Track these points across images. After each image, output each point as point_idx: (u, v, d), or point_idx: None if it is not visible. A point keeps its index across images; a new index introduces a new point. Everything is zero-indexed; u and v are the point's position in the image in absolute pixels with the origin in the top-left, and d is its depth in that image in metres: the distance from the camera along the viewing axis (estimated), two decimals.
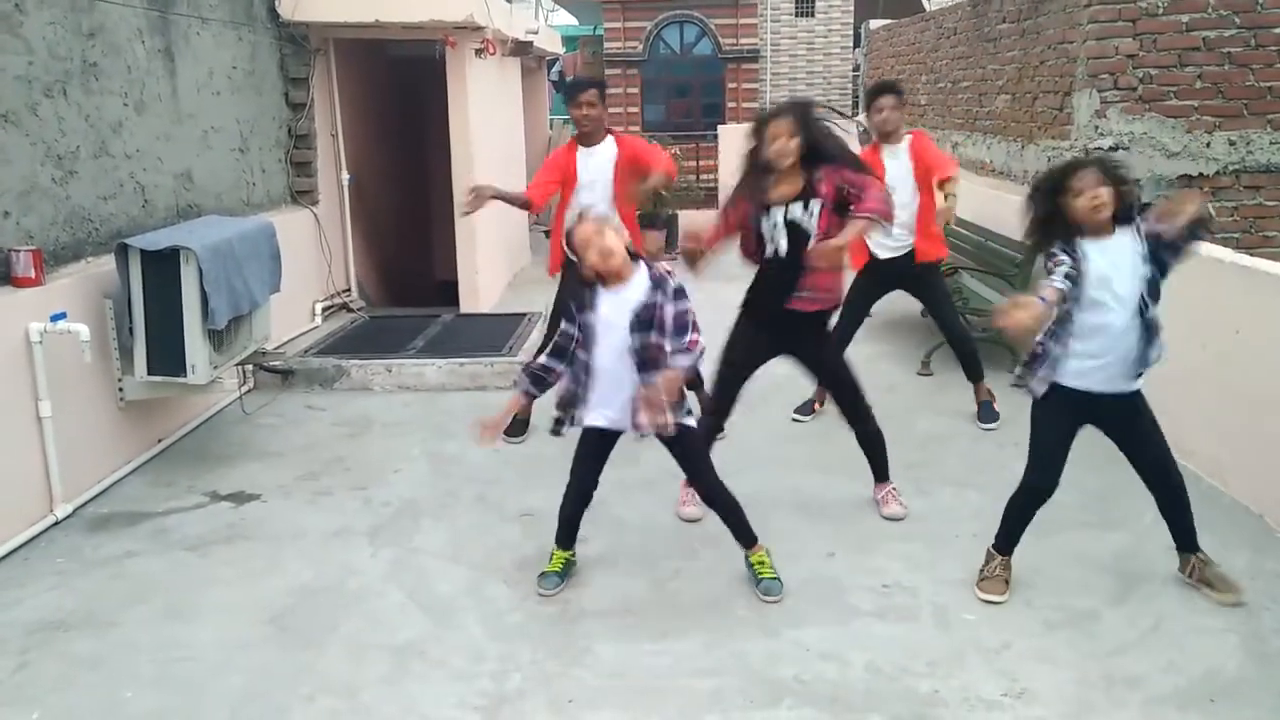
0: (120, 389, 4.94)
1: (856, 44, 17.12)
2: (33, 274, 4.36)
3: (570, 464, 3.90)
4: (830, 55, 18.03)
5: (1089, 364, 3.53)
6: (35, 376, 4.33)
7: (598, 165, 5.25)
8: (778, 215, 4.01)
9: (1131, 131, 6.50)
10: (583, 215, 3.75)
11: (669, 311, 3.57)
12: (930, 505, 4.57)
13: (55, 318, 4.38)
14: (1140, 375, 3.58)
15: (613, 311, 3.61)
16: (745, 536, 3.89)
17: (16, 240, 4.41)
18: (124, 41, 5.23)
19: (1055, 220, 3.55)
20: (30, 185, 4.50)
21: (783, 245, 4.02)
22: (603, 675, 3.32)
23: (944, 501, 4.60)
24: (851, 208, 3.93)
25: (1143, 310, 3.49)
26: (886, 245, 5.48)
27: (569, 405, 3.75)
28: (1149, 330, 3.50)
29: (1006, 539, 3.83)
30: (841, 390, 4.38)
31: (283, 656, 3.44)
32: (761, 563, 3.86)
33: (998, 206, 7.19)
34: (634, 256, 3.66)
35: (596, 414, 3.73)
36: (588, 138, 5.27)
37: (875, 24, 13.16)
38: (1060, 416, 3.65)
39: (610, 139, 5.30)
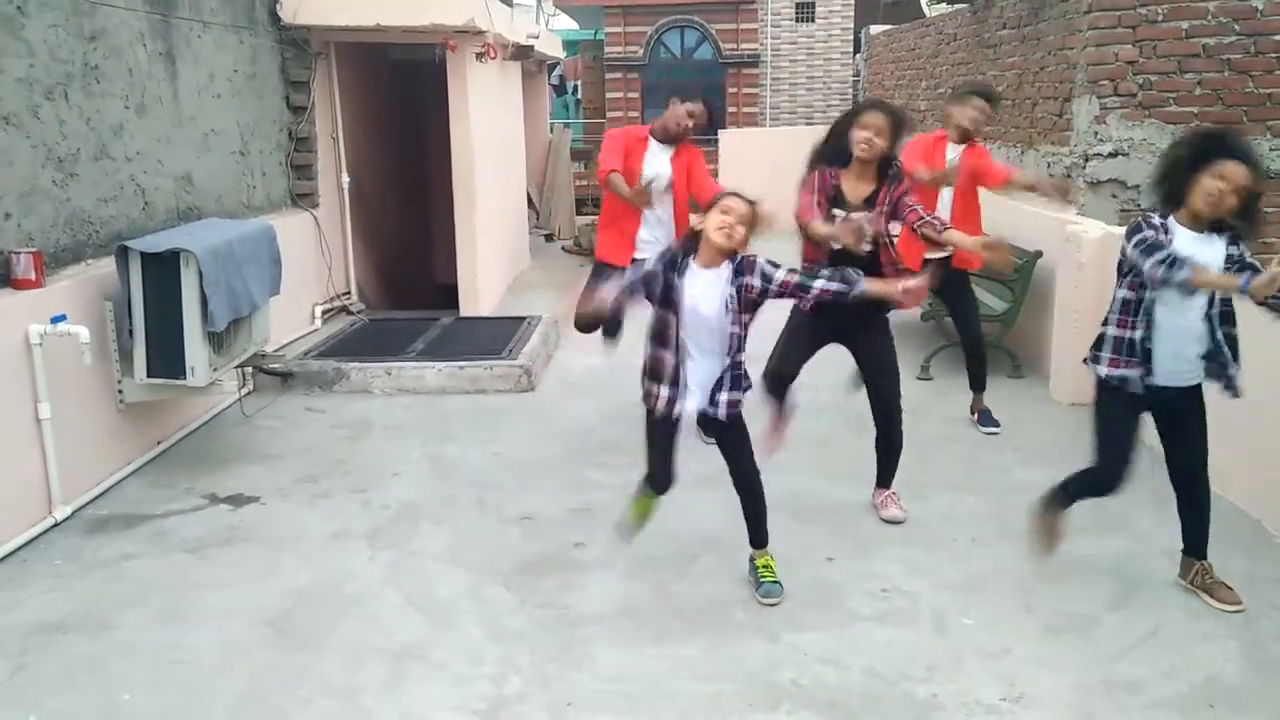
0: (120, 391, 4.94)
1: (857, 50, 17.15)
2: (33, 276, 4.36)
3: (647, 452, 3.91)
4: (830, 61, 18.04)
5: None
6: (35, 378, 4.33)
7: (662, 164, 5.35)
8: (847, 213, 4.07)
9: (1131, 138, 6.51)
10: (736, 192, 3.70)
11: (778, 275, 3.61)
12: (929, 510, 4.57)
13: (55, 320, 4.38)
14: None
15: (700, 288, 3.61)
16: (761, 536, 3.90)
17: (17, 242, 4.41)
18: (125, 44, 5.24)
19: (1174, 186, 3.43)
20: (31, 187, 4.50)
21: (866, 247, 4.04)
22: (602, 679, 3.32)
23: (943, 506, 4.60)
24: (906, 219, 4.07)
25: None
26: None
27: (658, 377, 3.72)
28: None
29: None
30: (880, 389, 4.36)
31: (281, 659, 3.44)
32: (766, 566, 3.87)
33: (998, 213, 7.19)
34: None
35: (692, 399, 3.72)
36: (675, 139, 5.36)
37: (875, 30, 13.18)
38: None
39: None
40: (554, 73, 19.20)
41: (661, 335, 3.69)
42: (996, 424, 5.55)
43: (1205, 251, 3.42)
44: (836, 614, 3.70)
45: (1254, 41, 6.43)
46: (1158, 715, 3.10)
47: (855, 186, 4.17)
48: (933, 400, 6.09)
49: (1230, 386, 3.57)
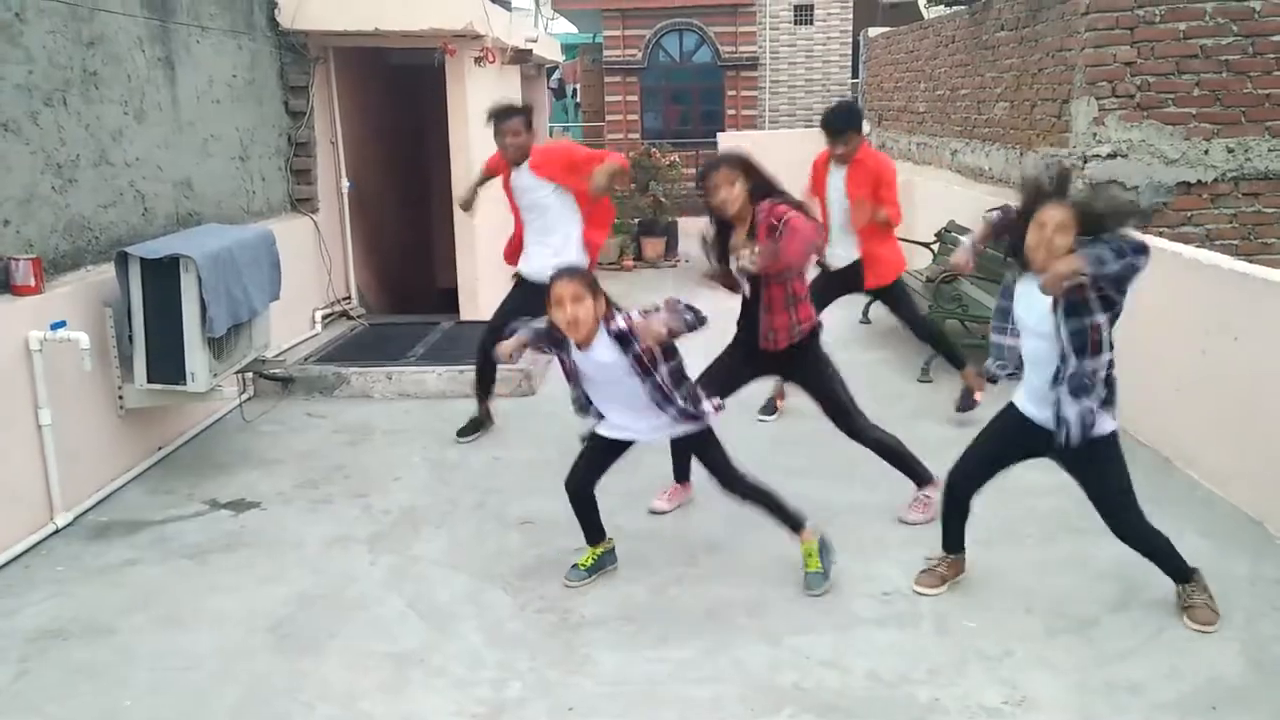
0: (120, 397, 4.94)
1: (855, 52, 17.16)
2: (33, 282, 4.36)
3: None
4: (829, 63, 18.04)
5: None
6: (35, 385, 4.33)
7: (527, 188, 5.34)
8: (734, 263, 4.05)
9: (1130, 139, 6.51)
10: (562, 272, 3.64)
11: (662, 369, 3.64)
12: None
13: (55, 326, 4.38)
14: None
15: (600, 368, 3.66)
16: (791, 521, 3.91)
17: (16, 249, 4.41)
18: (124, 50, 5.24)
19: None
20: (30, 194, 4.50)
21: (746, 289, 4.17)
22: (602, 683, 3.31)
23: None
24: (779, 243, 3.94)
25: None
26: (840, 256, 5.80)
27: (584, 409, 3.87)
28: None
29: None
30: (834, 414, 4.37)
31: (282, 664, 3.44)
32: (809, 554, 3.89)
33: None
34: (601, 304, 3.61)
35: (615, 429, 3.83)
36: (516, 162, 5.32)
37: (874, 32, 13.18)
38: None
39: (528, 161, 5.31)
40: (553, 76, 19.20)
41: (577, 399, 3.86)
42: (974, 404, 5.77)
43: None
44: (838, 617, 3.70)
45: (1252, 42, 6.43)
46: (1159, 717, 3.10)
47: (740, 233, 4.11)
48: (933, 402, 6.09)
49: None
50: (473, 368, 6.44)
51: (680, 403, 3.68)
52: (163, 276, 4.71)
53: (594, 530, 4.02)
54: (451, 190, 8.04)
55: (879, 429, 4.43)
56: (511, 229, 5.65)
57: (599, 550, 4.02)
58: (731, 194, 4.02)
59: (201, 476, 5.13)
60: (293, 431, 5.82)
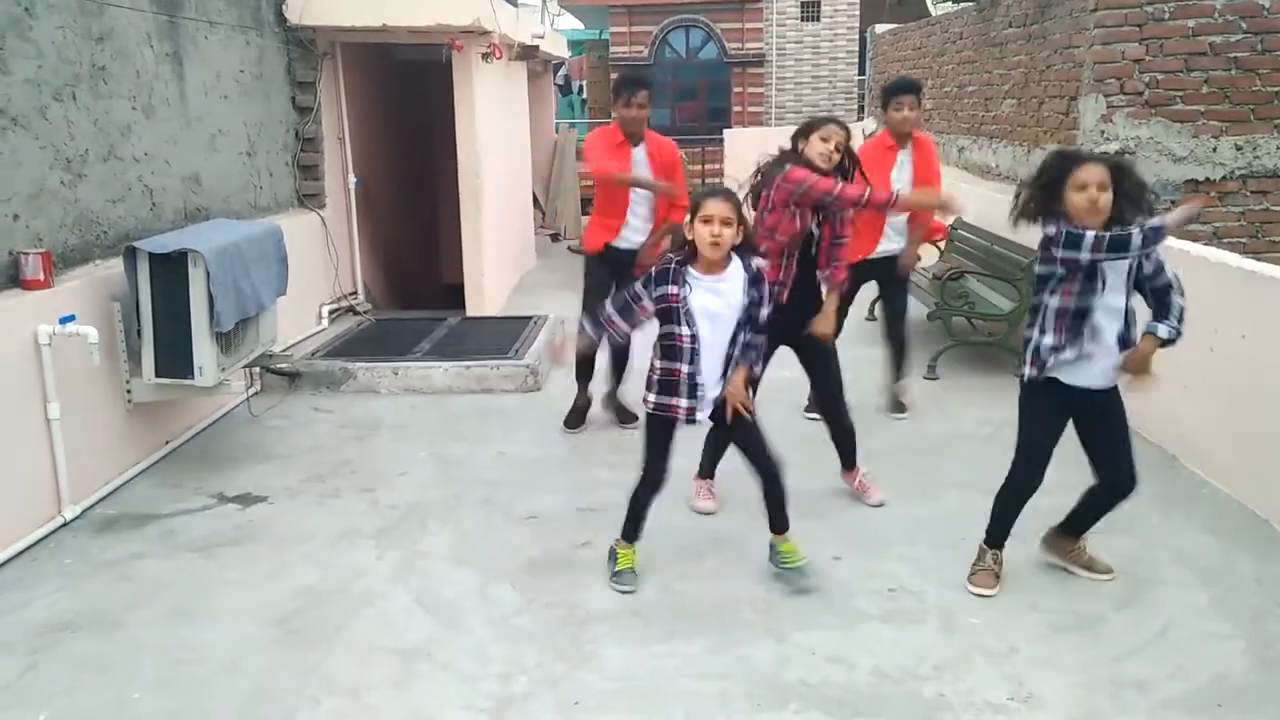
0: (128, 391, 4.96)
1: (862, 48, 17.13)
2: (41, 276, 4.37)
3: (644, 456, 3.88)
4: (836, 60, 18.04)
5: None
6: (44, 378, 4.34)
7: (642, 165, 5.39)
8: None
9: (1138, 136, 6.50)
10: (716, 190, 3.69)
11: (762, 313, 3.70)
12: (937, 509, 4.57)
13: (64, 320, 4.39)
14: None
15: (711, 301, 3.64)
16: (781, 521, 3.93)
17: (26, 243, 4.42)
18: (133, 45, 5.25)
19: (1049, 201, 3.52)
20: (39, 188, 4.52)
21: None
22: (609, 678, 3.32)
23: (950, 505, 4.60)
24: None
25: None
26: (886, 249, 5.70)
27: (674, 391, 3.75)
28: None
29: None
30: (824, 389, 4.64)
31: (289, 658, 3.45)
32: (790, 551, 3.91)
33: (1004, 211, 7.18)
34: (737, 246, 3.67)
35: (706, 400, 3.76)
36: (635, 138, 5.37)
37: (881, 28, 13.16)
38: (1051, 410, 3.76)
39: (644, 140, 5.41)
40: (559, 72, 19.20)
41: (671, 349, 3.71)
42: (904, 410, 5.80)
43: None
44: (844, 613, 3.70)
45: (1261, 39, 6.42)
46: (1165, 715, 3.09)
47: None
48: (940, 399, 6.09)
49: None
50: (478, 364, 6.47)
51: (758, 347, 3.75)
52: (171, 271, 4.72)
53: (641, 528, 3.99)
54: (458, 185, 8.06)
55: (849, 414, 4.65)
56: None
57: (634, 549, 3.99)
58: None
59: (209, 470, 5.14)
60: (299, 426, 5.84)
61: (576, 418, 5.72)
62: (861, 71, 17.25)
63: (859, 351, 5.86)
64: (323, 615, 3.73)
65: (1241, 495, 4.56)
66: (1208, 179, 6.55)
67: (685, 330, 3.66)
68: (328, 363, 6.55)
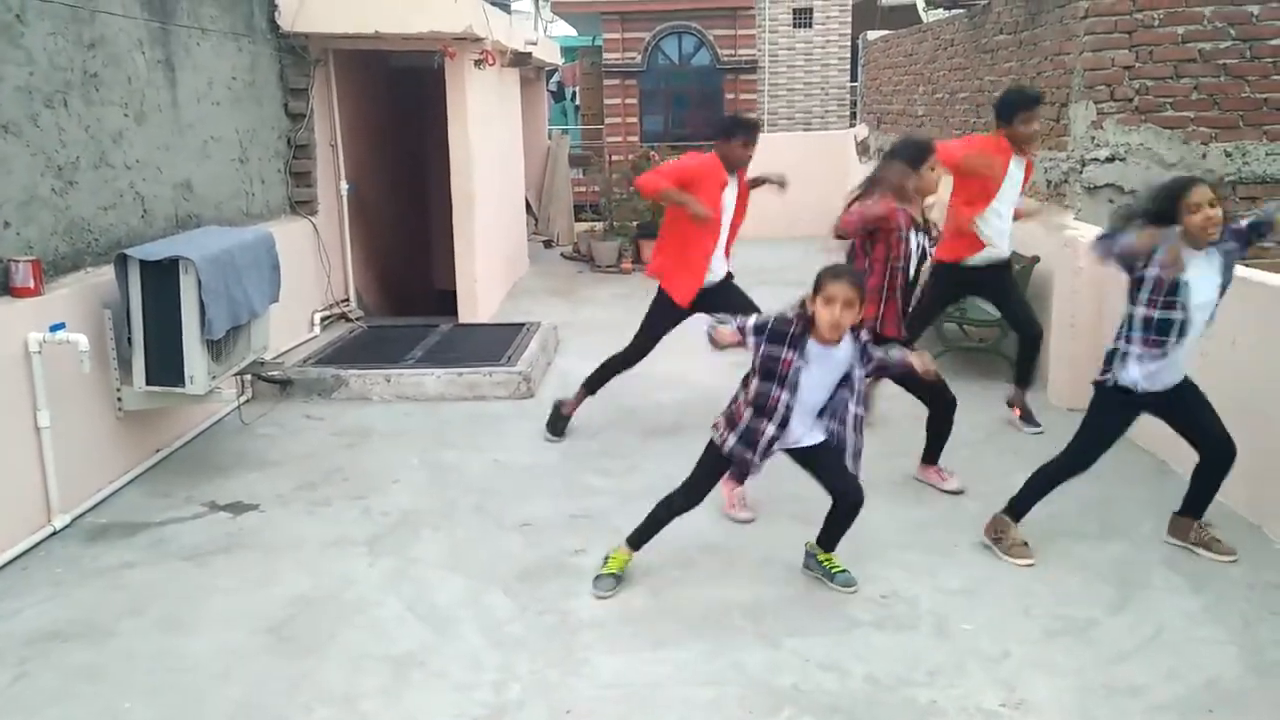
0: (119, 399, 4.94)
1: (854, 55, 17.18)
2: (32, 284, 4.36)
3: (693, 477, 3.95)
4: (828, 66, 18.07)
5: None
6: (34, 386, 4.33)
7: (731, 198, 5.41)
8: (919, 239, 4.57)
9: (1128, 143, 6.52)
10: (842, 272, 3.69)
11: (857, 375, 3.75)
12: (929, 514, 4.57)
13: (54, 328, 4.38)
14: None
15: (821, 367, 3.68)
16: (833, 541, 3.98)
17: (16, 250, 4.41)
18: (124, 52, 5.25)
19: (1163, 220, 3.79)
20: (30, 195, 4.51)
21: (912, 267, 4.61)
22: (601, 685, 3.32)
23: (943, 511, 4.60)
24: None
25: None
26: (978, 255, 5.61)
27: (750, 443, 3.78)
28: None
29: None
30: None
31: (281, 666, 3.44)
32: (832, 559, 3.98)
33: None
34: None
35: (769, 439, 3.78)
36: (735, 170, 5.37)
37: (873, 35, 13.20)
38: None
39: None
40: (552, 79, 19.22)
41: (763, 408, 3.73)
42: (1038, 424, 5.66)
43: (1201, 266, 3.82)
44: (837, 619, 3.70)
45: (1250, 46, 6.44)
46: (1157, 719, 3.10)
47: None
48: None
49: None
50: (471, 371, 6.46)
51: (856, 410, 3.78)
52: (162, 279, 4.71)
53: (647, 539, 4.01)
54: (451, 192, 8.06)
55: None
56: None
57: (629, 558, 4.00)
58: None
59: (200, 478, 5.13)
60: (291, 434, 5.82)
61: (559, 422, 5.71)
62: (853, 78, 17.30)
63: None
64: (314, 623, 3.72)
65: (1232, 501, 4.57)
66: None
67: (784, 396, 3.69)
68: (319, 370, 6.54)
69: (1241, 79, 6.47)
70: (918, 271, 4.61)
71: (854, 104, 17.03)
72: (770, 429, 3.72)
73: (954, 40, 9.51)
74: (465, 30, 7.43)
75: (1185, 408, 4.00)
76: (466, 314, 8.25)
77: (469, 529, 4.54)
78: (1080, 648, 3.48)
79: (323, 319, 7.68)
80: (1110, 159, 6.53)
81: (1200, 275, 3.79)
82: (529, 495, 4.86)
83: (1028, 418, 5.69)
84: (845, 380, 3.74)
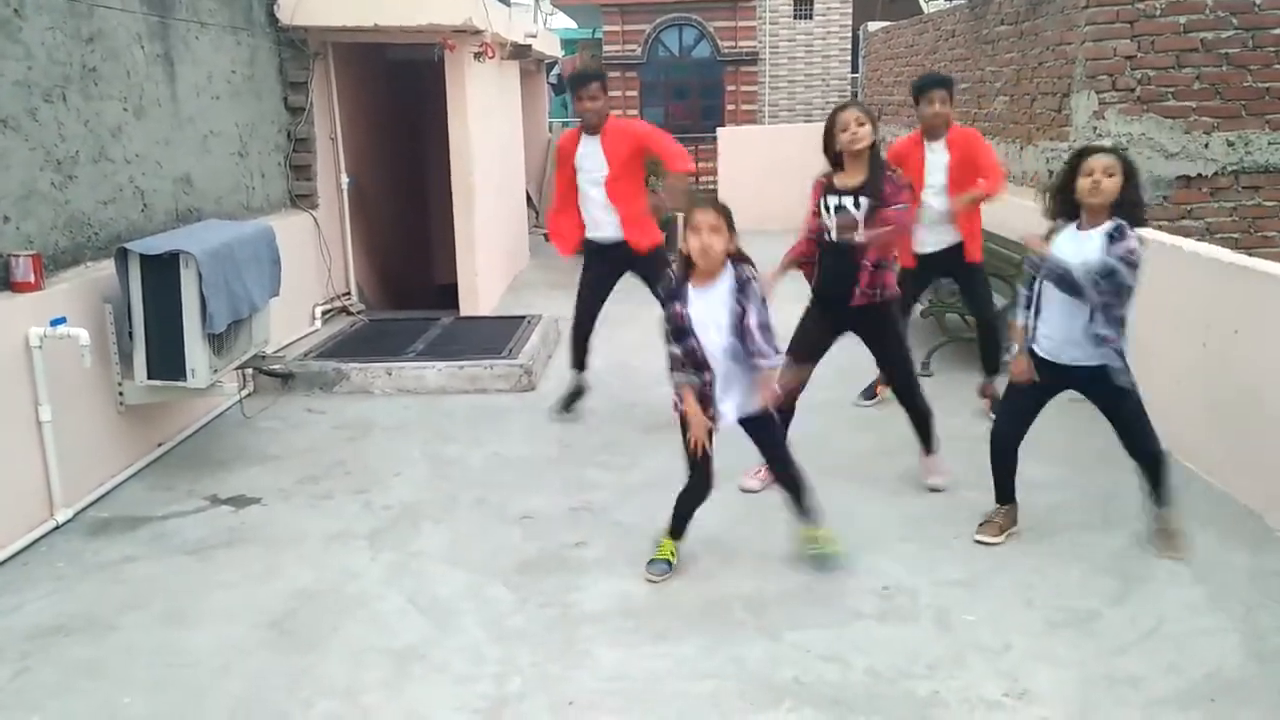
0: (120, 393, 4.94)
1: (855, 46, 17.14)
2: (32, 279, 4.36)
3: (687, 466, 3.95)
4: (829, 58, 18.01)
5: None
6: (35, 381, 4.33)
7: (594, 153, 5.47)
8: (834, 200, 4.38)
9: (1130, 132, 6.51)
10: (706, 198, 3.77)
11: (752, 323, 3.69)
12: (930, 507, 4.57)
13: (55, 322, 4.38)
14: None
15: (703, 309, 3.71)
16: (809, 514, 4.01)
17: (16, 245, 4.41)
18: (123, 46, 5.24)
19: (1065, 195, 3.83)
20: (29, 190, 4.50)
21: (832, 231, 4.40)
22: (602, 678, 3.32)
23: (943, 503, 4.60)
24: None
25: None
26: (928, 242, 5.59)
27: (706, 403, 3.80)
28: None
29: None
30: (897, 379, 4.77)
31: (283, 660, 3.44)
32: (816, 539, 3.99)
33: (997, 208, 7.18)
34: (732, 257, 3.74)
35: (728, 408, 3.81)
36: (592, 128, 5.46)
37: (873, 26, 13.17)
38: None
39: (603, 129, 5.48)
40: (552, 71, 19.18)
41: (695, 361, 3.76)
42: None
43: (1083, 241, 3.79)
44: (837, 612, 3.70)
45: (1252, 35, 6.43)
46: (1159, 710, 3.10)
47: (845, 179, 4.41)
48: (935, 396, 6.06)
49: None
50: (472, 364, 6.47)
51: (765, 349, 3.73)
52: (162, 272, 4.71)
53: (685, 527, 4.06)
54: (451, 185, 8.05)
55: (924, 399, 4.75)
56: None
57: (676, 544, 4.05)
58: (860, 133, 4.31)
59: (201, 472, 5.13)
60: (293, 427, 5.82)
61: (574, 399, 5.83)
62: (854, 69, 17.26)
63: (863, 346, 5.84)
64: (316, 617, 3.72)
65: (1234, 490, 4.57)
66: (1200, 175, 6.56)
67: (694, 343, 3.73)
68: (321, 364, 6.54)
69: (1243, 68, 6.46)
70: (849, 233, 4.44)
71: (855, 95, 16.98)
72: (707, 375, 3.77)
73: (955, 31, 9.49)
74: (465, 23, 7.41)
75: (1105, 398, 3.97)
76: (467, 307, 8.25)
77: (470, 522, 4.54)
78: (1082, 639, 3.48)
79: (323, 313, 7.68)
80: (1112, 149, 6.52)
81: (1065, 249, 3.79)
82: (530, 488, 4.86)
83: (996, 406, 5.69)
84: (742, 329, 3.72)
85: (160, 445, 5.36)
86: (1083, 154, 3.80)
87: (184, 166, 5.82)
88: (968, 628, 3.57)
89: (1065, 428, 5.06)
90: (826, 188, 4.44)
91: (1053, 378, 3.97)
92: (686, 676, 3.31)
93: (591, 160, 5.48)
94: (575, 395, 5.84)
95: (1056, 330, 3.87)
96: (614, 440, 5.46)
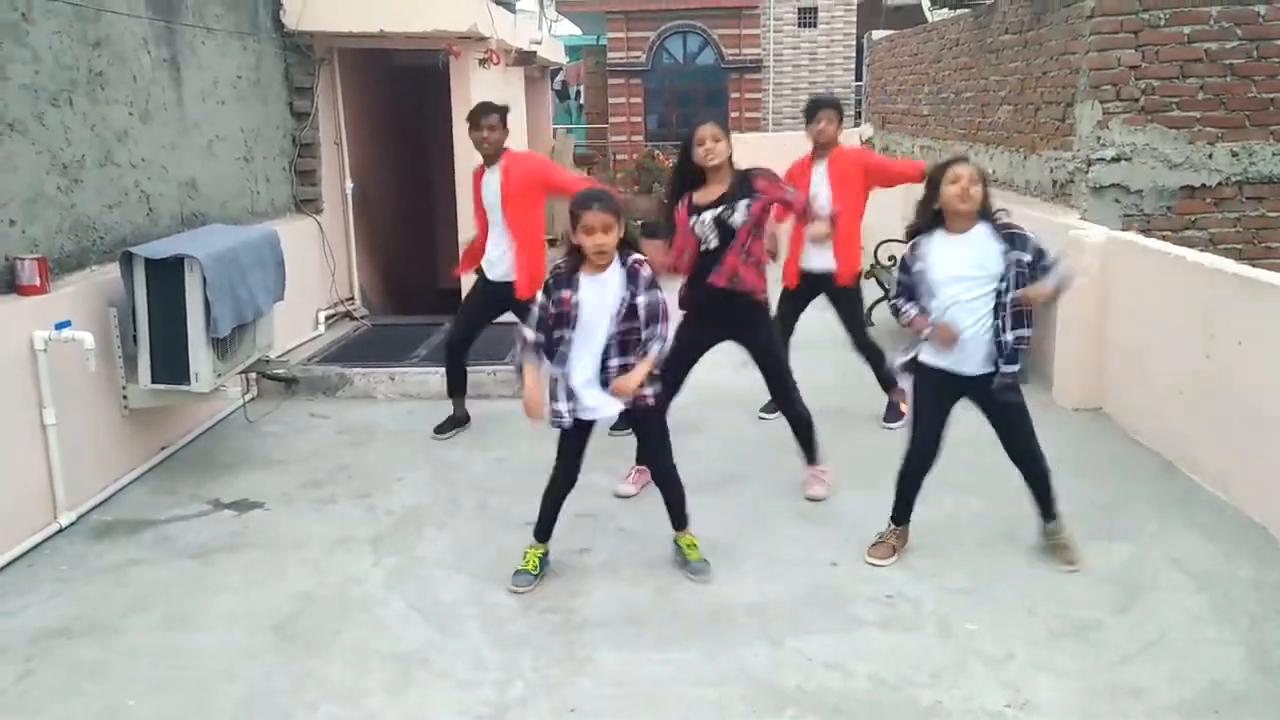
0: (124, 397, 4.95)
1: (859, 55, 17.16)
2: (38, 282, 4.37)
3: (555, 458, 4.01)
4: (833, 66, 18.06)
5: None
6: (40, 384, 4.33)
7: (491, 188, 5.48)
8: (708, 215, 4.41)
9: (1134, 143, 6.51)
10: (601, 196, 3.79)
11: (641, 301, 3.75)
12: (933, 514, 4.55)
13: (60, 326, 4.39)
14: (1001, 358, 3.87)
15: (593, 296, 3.76)
16: (681, 519, 4.07)
17: (22, 248, 4.42)
18: (129, 51, 5.25)
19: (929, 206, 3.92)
20: (36, 194, 4.51)
21: (713, 241, 4.43)
22: (605, 684, 3.32)
23: (947, 510, 4.59)
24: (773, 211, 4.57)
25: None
26: (813, 259, 5.61)
27: (554, 395, 3.88)
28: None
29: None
30: (770, 377, 4.75)
31: (285, 665, 3.44)
32: (691, 545, 4.04)
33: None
34: (620, 245, 3.78)
35: (584, 401, 3.86)
36: (489, 160, 5.48)
37: (878, 35, 13.18)
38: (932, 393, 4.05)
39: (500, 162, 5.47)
40: (557, 78, 19.22)
41: (556, 353, 3.85)
42: (901, 417, 5.72)
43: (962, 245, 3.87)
44: (840, 619, 3.70)
45: (1256, 46, 6.43)
46: None
47: (706, 193, 4.47)
48: None
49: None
50: (475, 369, 6.45)
51: (633, 358, 3.81)
52: (167, 277, 4.72)
53: (550, 528, 4.09)
54: (455, 191, 8.06)
55: (802, 404, 4.76)
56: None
57: (543, 550, 4.06)
58: (716, 149, 4.39)
59: (205, 476, 5.13)
60: (296, 432, 5.83)
61: (451, 424, 5.79)
62: (858, 78, 17.28)
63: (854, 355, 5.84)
64: (319, 621, 3.72)
65: (1238, 501, 4.56)
66: (1203, 185, 6.56)
67: (566, 333, 3.80)
68: (324, 368, 6.54)
69: (1248, 79, 6.46)
70: (724, 241, 4.46)
71: (859, 104, 17.01)
72: (558, 370, 3.83)
73: (959, 40, 9.50)
74: (470, 29, 7.43)
75: (994, 407, 4.01)
76: None
77: (473, 527, 4.55)
78: (1085, 649, 3.48)
79: (327, 317, 7.68)
80: (1116, 159, 6.52)
81: (945, 253, 3.87)
82: (533, 494, 4.82)
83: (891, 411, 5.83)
84: (631, 314, 3.76)
85: (164, 449, 5.37)
86: (946, 165, 3.88)
87: (189, 171, 5.83)
88: (970, 636, 3.57)
89: (1068, 439, 5.07)
90: (690, 208, 4.47)
91: (955, 390, 4.01)
92: (689, 683, 3.31)
93: (488, 192, 5.50)
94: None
95: (968, 342, 3.88)
96: (617, 447, 5.45)
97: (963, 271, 3.84)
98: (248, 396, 5.94)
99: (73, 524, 4.52)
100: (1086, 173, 6.60)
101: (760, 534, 4.38)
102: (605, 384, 3.83)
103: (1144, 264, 5.54)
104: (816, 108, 5.67)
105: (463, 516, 4.66)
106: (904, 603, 3.81)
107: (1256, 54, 6.44)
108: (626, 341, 3.80)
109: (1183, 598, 3.80)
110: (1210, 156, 6.52)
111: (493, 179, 5.47)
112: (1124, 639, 3.53)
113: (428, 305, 9.36)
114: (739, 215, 4.37)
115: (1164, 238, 6.16)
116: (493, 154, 5.43)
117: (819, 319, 5.74)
